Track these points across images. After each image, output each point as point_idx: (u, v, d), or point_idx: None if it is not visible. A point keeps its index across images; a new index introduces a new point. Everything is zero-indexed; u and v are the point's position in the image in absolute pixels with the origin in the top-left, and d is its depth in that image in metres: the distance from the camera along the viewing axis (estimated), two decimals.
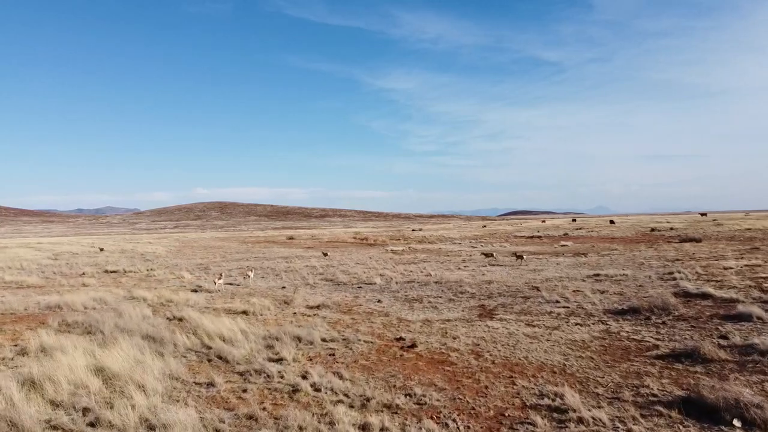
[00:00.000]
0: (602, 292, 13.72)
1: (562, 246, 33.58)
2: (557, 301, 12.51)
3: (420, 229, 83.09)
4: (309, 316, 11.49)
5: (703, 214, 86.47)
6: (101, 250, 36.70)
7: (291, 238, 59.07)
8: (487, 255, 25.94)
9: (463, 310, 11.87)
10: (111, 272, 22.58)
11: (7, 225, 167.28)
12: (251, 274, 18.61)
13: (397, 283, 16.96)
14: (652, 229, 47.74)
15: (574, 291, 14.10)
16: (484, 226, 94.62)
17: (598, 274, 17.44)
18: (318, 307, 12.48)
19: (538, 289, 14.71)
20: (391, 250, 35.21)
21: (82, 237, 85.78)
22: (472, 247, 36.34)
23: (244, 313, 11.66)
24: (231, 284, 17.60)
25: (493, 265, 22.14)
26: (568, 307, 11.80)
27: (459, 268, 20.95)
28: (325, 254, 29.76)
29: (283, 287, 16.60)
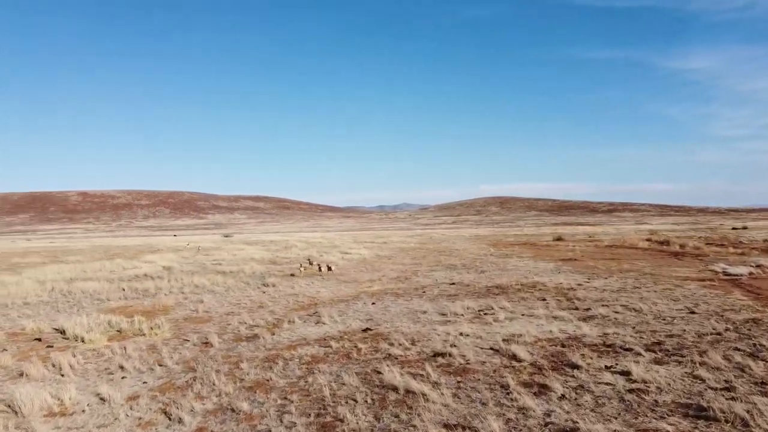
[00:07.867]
0: None
1: None
2: None
3: (744, 227, 55.05)
4: None
5: None
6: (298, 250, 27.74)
7: (559, 239, 41.12)
8: None
9: None
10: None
11: (312, 220, 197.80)
12: None
13: None
14: None
15: None
16: None
17: None
18: None
19: None
20: (724, 273, 14.25)
21: (341, 232, 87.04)
22: None
23: None
24: None
25: None
26: None
27: None
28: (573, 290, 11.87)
29: None
